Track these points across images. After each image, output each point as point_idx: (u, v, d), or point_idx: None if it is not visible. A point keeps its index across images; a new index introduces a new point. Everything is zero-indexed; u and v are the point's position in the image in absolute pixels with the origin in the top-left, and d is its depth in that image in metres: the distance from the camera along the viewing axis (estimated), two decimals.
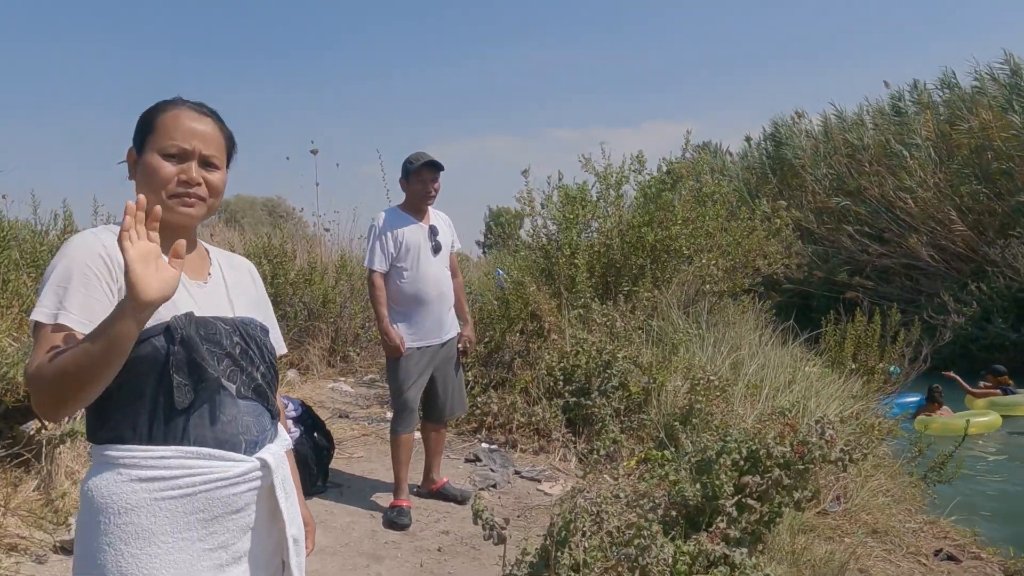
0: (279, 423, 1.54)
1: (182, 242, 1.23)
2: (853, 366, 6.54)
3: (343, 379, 6.95)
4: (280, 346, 1.62)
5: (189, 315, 1.34)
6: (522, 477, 4.45)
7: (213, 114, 1.44)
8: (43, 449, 3.46)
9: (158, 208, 1.21)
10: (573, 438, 4.87)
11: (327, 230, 9.44)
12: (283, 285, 7.16)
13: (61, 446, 3.54)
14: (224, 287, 1.50)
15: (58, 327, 1.25)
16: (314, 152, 8.85)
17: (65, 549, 3.07)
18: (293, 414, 4.08)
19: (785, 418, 4.31)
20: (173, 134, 1.36)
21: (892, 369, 6.99)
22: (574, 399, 4.92)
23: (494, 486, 4.30)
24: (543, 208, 7.36)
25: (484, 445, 4.87)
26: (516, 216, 8.52)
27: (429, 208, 3.90)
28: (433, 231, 3.86)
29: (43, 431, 3.50)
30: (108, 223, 1.45)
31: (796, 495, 3.10)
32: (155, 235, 1.19)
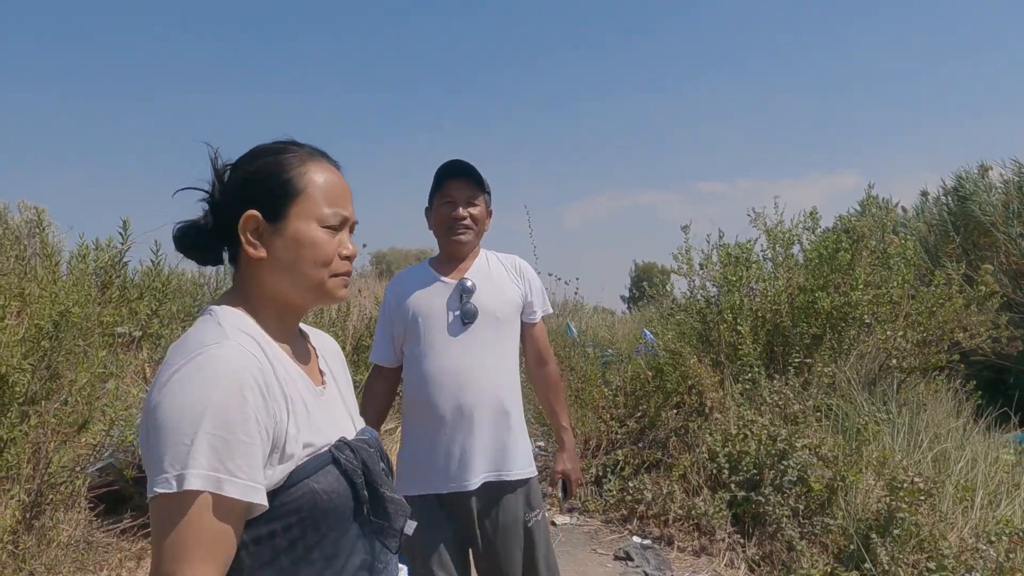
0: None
1: None
2: None
3: None
4: None
5: (343, 442, 1.05)
6: None
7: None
8: None
9: None
10: (741, 540, 4.18)
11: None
12: None
13: None
14: (337, 389, 1.18)
15: (220, 499, 0.88)
16: None
17: None
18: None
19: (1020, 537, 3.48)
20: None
21: None
22: (742, 493, 4.25)
23: None
24: (702, 268, 6.74)
25: (636, 539, 4.29)
26: (663, 273, 7.95)
27: (475, 252, 2.32)
28: (464, 289, 2.21)
29: None
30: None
31: None
32: None
